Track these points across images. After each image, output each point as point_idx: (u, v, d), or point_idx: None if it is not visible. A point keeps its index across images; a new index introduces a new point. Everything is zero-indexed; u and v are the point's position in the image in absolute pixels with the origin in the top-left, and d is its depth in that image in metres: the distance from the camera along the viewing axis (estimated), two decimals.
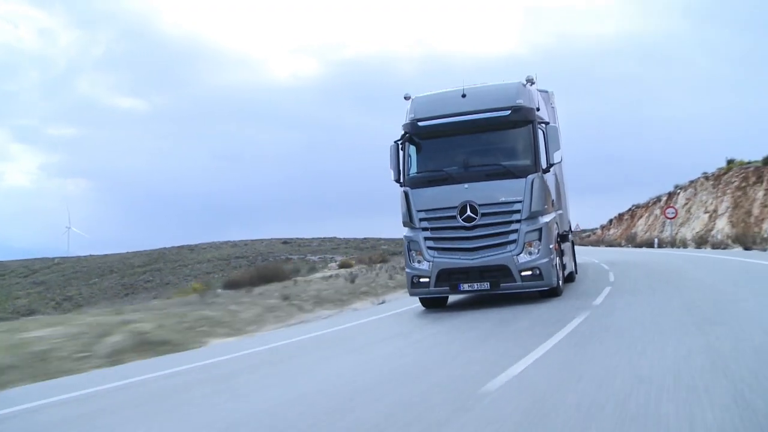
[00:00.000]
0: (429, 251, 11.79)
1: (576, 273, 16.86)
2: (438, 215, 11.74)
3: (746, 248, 27.86)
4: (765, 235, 31.24)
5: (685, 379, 4.95)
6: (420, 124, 11.93)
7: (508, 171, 11.50)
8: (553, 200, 12.49)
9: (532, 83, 11.74)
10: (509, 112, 11.43)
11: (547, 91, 14.23)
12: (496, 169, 11.62)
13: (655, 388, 4.74)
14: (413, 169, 12.20)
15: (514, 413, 4.46)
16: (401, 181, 12.19)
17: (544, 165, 11.59)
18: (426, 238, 11.84)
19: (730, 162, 47.27)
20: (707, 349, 6.07)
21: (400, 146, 12.24)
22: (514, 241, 11.32)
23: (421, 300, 12.80)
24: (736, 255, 23.75)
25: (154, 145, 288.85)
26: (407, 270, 12.19)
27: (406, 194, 12.06)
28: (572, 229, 19.63)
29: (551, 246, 11.49)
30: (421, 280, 11.89)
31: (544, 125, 11.78)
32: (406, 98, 12.21)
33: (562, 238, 13.59)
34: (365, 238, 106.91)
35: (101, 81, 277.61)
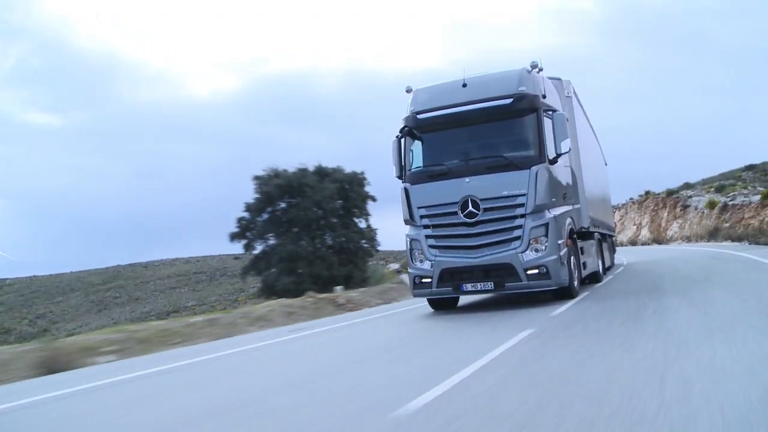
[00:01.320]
0: (431, 250, 10.61)
1: (603, 274, 15.50)
2: (439, 212, 10.58)
3: (659, 244, 52.09)
4: (668, 237, 53.90)
5: None
6: (419, 116, 10.81)
7: (510, 163, 10.31)
8: (565, 193, 11.17)
9: (539, 69, 10.47)
10: (511, 100, 10.30)
11: (560, 79, 12.86)
12: (497, 161, 10.42)
13: None
14: (415, 164, 11.04)
15: None
16: (403, 177, 10.98)
17: (550, 155, 10.40)
18: (427, 236, 10.68)
19: (647, 192, 67.36)
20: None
21: (400, 141, 11.06)
22: (518, 238, 10.10)
23: (428, 301, 11.56)
24: (654, 247, 47.48)
25: (73, 163, 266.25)
26: (410, 270, 11.03)
27: (406, 191, 10.93)
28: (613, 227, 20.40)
29: (560, 242, 10.30)
30: (424, 280, 10.69)
31: (550, 113, 10.56)
32: (408, 91, 11.18)
33: (582, 235, 12.13)
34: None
35: (13, 96, 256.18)
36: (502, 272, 10.08)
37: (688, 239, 46.27)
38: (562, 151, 10.46)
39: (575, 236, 11.50)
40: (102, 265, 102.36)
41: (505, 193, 10.09)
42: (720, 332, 5.92)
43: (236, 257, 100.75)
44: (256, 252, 35.00)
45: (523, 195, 10.01)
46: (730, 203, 44.60)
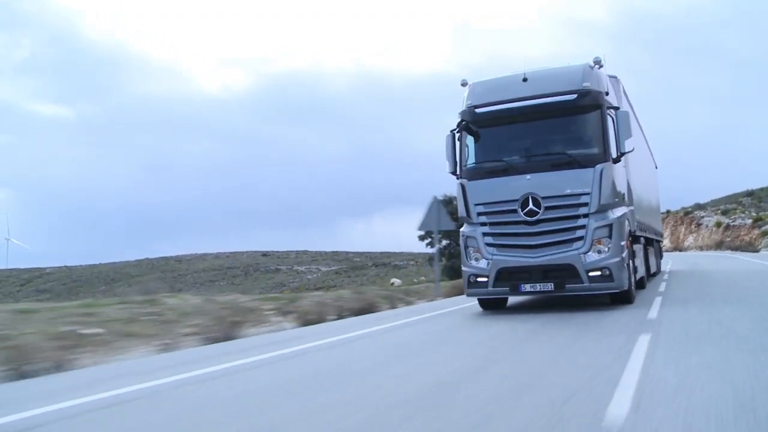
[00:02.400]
0: (488, 248, 9.79)
1: (648, 280, 14.56)
2: (497, 209, 9.78)
3: (679, 251, 59.42)
4: (684, 246, 64.35)
5: None
6: (478, 110, 9.98)
7: (574, 160, 9.52)
8: (624, 194, 10.23)
9: (600, 66, 9.47)
10: (575, 96, 9.50)
11: (616, 77, 11.79)
12: (561, 159, 9.64)
13: None
14: (470, 160, 10.26)
15: None
16: (458, 173, 10.23)
17: (614, 154, 9.60)
18: (485, 234, 9.88)
19: (668, 211, 73.73)
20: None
21: (456, 135, 10.25)
22: (581, 238, 9.28)
23: (480, 300, 10.66)
24: (676, 253, 52.87)
25: (80, 155, 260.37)
26: (464, 268, 10.14)
27: (462, 187, 10.14)
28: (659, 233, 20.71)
29: (623, 243, 9.50)
30: (479, 279, 9.86)
31: (613, 111, 9.76)
32: (463, 84, 10.27)
33: (634, 238, 11.11)
34: (335, 251, 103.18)
35: (24, 86, 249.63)
36: (562, 273, 9.28)
37: (700, 248, 60.22)
38: (626, 150, 9.73)
39: (630, 239, 10.66)
40: (108, 258, 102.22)
41: (568, 191, 9.30)
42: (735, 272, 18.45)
43: (264, 254, 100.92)
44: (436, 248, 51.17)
45: (587, 194, 9.23)
46: (732, 224, 59.09)
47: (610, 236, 9.17)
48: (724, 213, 64.52)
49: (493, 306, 10.70)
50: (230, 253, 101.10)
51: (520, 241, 9.47)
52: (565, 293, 9.51)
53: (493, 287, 9.63)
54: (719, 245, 53.92)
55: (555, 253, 9.26)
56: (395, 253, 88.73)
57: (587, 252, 9.13)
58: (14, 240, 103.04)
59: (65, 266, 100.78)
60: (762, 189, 69.80)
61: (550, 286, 9.33)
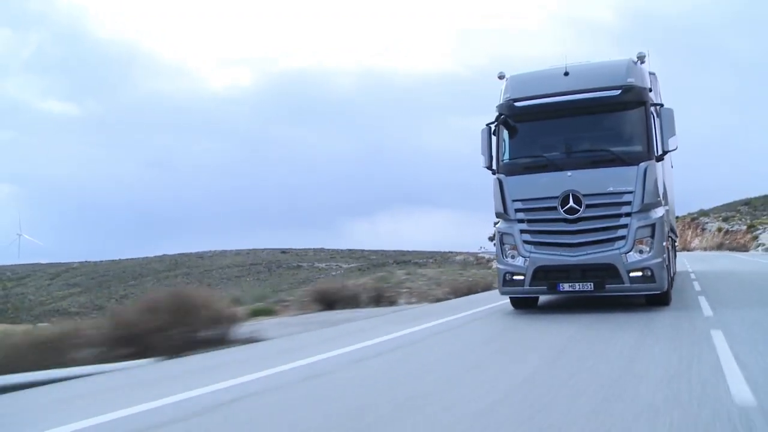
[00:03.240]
0: (525, 246, 9.30)
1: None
2: (536, 206, 9.28)
3: (687, 251, 61.97)
4: (691, 247, 68.96)
5: None
6: (517, 104, 9.44)
7: (617, 157, 8.96)
8: (662, 193, 9.71)
9: (643, 61, 8.90)
10: (619, 91, 8.98)
11: (654, 74, 11.14)
12: (603, 155, 9.08)
13: None
14: (507, 155, 9.70)
15: None
16: (494, 167, 9.70)
17: (657, 152, 8.99)
18: (522, 231, 9.38)
19: (677, 217, 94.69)
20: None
21: (492, 129, 9.74)
22: (623, 237, 8.76)
23: (512, 299, 10.22)
24: (685, 253, 53.26)
25: (87, 152, 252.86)
26: (499, 266, 9.58)
27: (500, 182, 9.61)
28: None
29: (664, 244, 9.07)
30: (515, 277, 9.36)
31: (657, 107, 9.18)
32: (501, 77, 9.67)
33: None
34: (350, 249, 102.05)
35: (32, 83, 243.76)
36: (602, 273, 8.78)
37: (704, 249, 66.88)
38: (669, 149, 9.14)
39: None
40: (115, 255, 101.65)
41: (611, 189, 8.81)
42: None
43: (283, 251, 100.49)
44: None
45: (630, 192, 8.73)
46: (731, 229, 66.76)
47: (652, 236, 8.67)
48: (725, 220, 72.51)
49: (525, 305, 10.18)
50: (249, 250, 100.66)
51: (559, 239, 8.96)
52: (604, 293, 8.98)
53: (529, 286, 9.13)
54: (720, 246, 61.69)
55: (595, 253, 8.76)
56: (409, 251, 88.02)
57: (629, 252, 8.63)
58: (26, 235, 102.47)
59: (89, 261, 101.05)
60: (758, 198, 77.73)
61: (589, 286, 8.82)
